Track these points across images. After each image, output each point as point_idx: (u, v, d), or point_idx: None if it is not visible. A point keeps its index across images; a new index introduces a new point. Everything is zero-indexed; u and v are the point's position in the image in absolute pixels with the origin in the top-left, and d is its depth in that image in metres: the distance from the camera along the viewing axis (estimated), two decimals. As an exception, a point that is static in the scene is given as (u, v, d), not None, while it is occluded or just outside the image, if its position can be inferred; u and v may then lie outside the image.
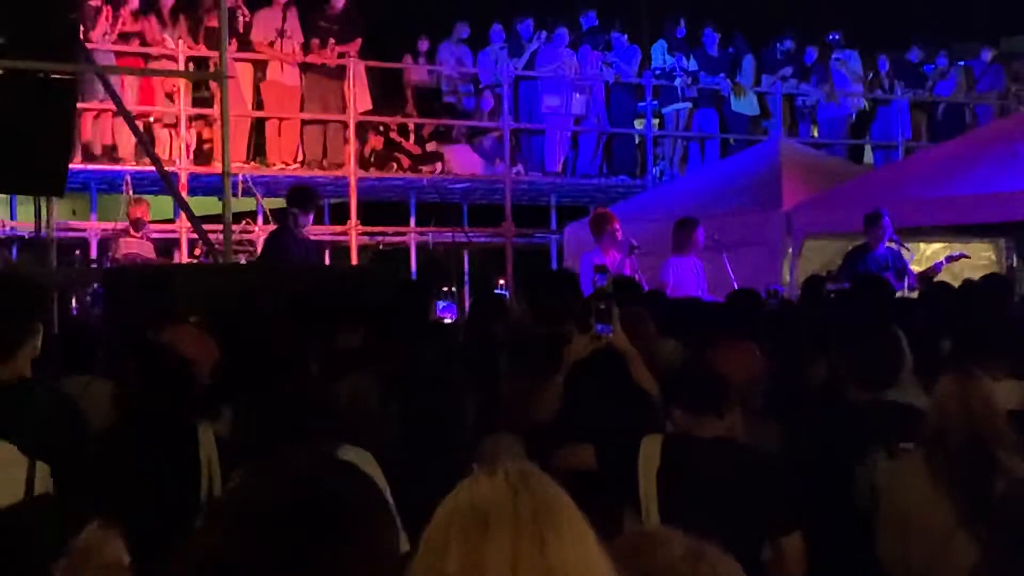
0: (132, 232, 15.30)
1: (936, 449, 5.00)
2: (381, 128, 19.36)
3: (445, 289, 10.88)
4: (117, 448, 5.16)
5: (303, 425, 4.56)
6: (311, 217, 12.31)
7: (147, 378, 5.34)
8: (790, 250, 15.33)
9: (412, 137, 19.62)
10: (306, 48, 18.01)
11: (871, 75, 22.10)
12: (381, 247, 20.06)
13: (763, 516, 5.07)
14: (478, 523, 2.55)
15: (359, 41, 18.25)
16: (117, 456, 5.11)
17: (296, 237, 12.07)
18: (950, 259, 14.51)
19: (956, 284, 11.66)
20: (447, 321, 11.54)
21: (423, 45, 19.87)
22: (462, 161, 19.56)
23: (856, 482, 5.44)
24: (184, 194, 15.53)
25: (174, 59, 16.99)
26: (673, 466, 5.08)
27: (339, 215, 19.21)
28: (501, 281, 14.16)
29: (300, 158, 18.20)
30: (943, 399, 5.08)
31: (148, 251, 15.35)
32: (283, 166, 17.84)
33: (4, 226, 16.55)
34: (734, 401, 5.36)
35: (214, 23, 16.01)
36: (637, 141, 21.14)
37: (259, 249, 14.33)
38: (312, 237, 13.46)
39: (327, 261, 18.22)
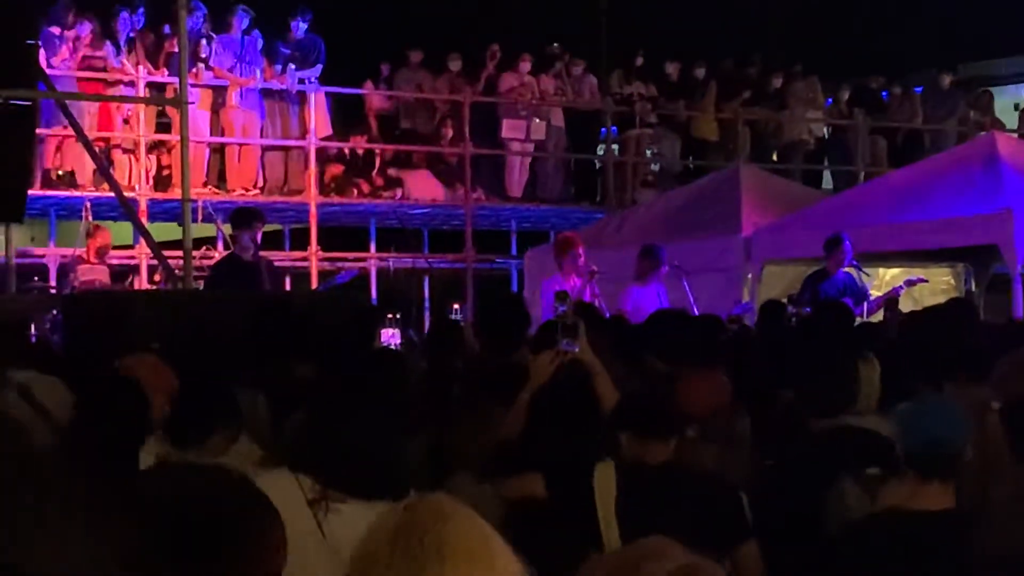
0: (91, 259, 15.18)
1: None
2: (345, 153, 19.35)
3: (390, 316, 10.79)
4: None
5: None
6: (256, 234, 12.07)
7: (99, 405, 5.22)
8: (750, 275, 15.34)
9: (377, 162, 19.57)
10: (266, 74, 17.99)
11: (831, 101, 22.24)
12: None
13: (718, 531, 5.08)
14: (368, 556, 2.62)
15: (319, 67, 18.23)
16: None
17: (242, 263, 11.90)
18: (909, 283, 14.54)
19: (916, 309, 11.71)
20: (393, 347, 11.40)
21: (384, 71, 19.88)
22: (422, 187, 19.53)
23: (827, 509, 5.43)
24: (144, 220, 15.46)
25: (133, 85, 16.94)
26: (630, 495, 5.09)
27: (300, 241, 19.17)
28: (456, 306, 14.11)
29: (260, 184, 18.15)
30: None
31: (105, 277, 15.24)
32: (243, 192, 17.77)
33: (-38, 253, 16.43)
34: (680, 424, 5.37)
35: (174, 48, 16.00)
36: (598, 167, 21.20)
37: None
38: (266, 258, 12.96)
39: (287, 282, 18.16)
